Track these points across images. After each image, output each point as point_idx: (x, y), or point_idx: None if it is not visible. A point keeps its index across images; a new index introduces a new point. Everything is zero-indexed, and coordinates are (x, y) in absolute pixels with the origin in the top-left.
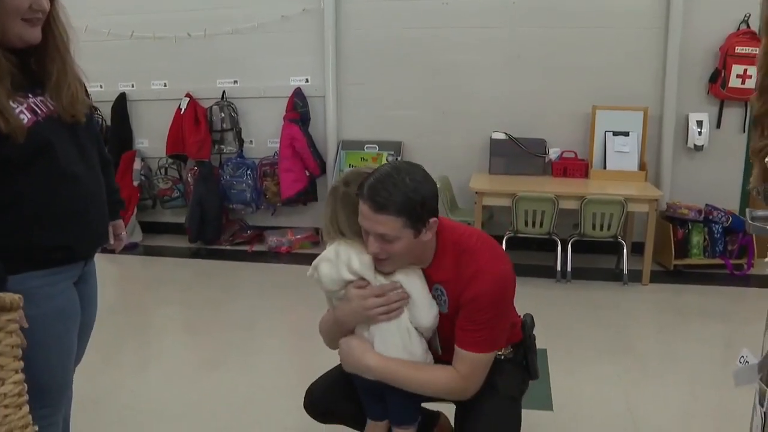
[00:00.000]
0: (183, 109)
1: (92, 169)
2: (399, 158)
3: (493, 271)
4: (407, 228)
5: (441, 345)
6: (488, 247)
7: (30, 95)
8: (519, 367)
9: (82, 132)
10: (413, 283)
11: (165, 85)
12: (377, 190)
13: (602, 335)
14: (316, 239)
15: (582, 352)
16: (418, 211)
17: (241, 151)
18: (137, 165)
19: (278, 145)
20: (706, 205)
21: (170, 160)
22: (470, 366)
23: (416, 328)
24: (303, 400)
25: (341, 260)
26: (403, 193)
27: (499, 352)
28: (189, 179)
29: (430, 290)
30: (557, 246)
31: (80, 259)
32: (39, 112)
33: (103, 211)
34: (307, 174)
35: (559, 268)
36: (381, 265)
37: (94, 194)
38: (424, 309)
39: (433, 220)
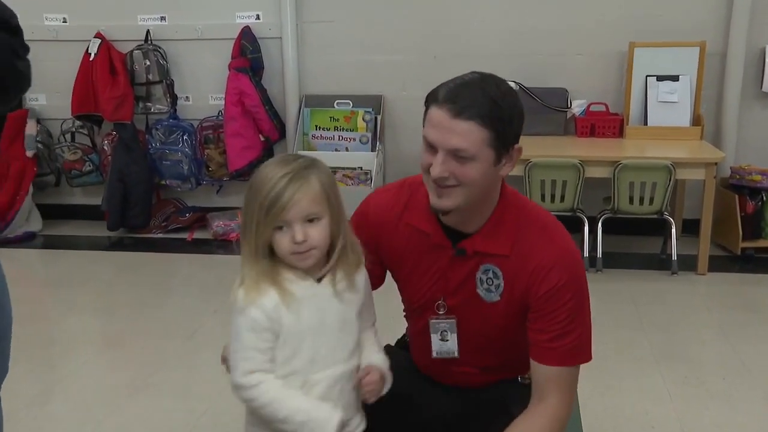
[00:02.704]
0: (93, 55)
1: None
2: (378, 117)
3: (572, 250)
4: (489, 147)
5: (473, 346)
6: (557, 224)
7: None
8: None
9: None
10: None
11: (64, 21)
12: (458, 93)
13: (645, 339)
14: None
15: (619, 361)
16: (506, 125)
17: (175, 110)
18: (31, 129)
19: (223, 101)
20: None
21: (78, 123)
22: (570, 385)
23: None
24: None
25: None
26: (491, 99)
27: (525, 376)
28: (105, 147)
29: (476, 271)
30: (584, 226)
31: None
32: None
33: None
34: (262, 139)
35: (586, 253)
36: (441, 196)
37: None
38: None
39: (518, 146)
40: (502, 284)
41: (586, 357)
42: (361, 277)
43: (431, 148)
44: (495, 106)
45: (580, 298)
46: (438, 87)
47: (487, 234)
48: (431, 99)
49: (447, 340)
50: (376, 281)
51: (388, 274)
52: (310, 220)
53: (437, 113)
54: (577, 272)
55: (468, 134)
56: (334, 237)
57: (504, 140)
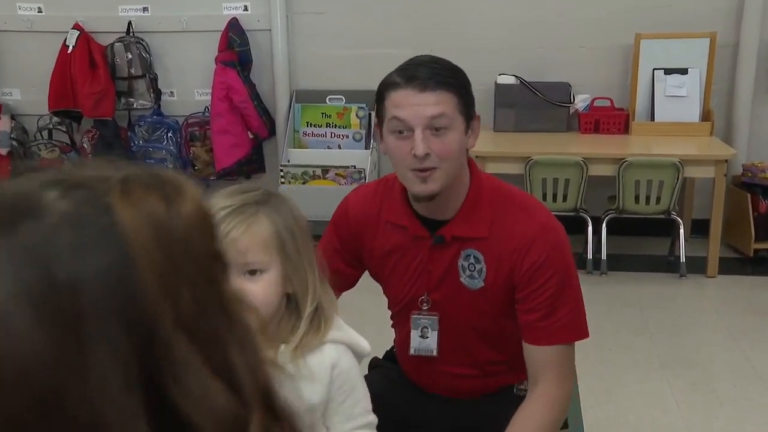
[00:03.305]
0: (71, 47)
1: None
2: (373, 113)
3: (554, 225)
4: (460, 113)
5: (463, 342)
6: (535, 202)
7: None
8: None
9: None
10: None
11: (40, 11)
12: (416, 71)
13: (652, 344)
14: None
15: (624, 367)
16: (467, 91)
17: (159, 106)
18: (4, 125)
19: (209, 97)
20: None
21: (56, 119)
22: (565, 365)
23: None
24: None
25: None
26: (447, 68)
27: (521, 386)
28: (85, 145)
29: (457, 259)
30: (587, 226)
31: None
32: None
33: None
34: (251, 136)
35: (590, 255)
36: (425, 181)
37: None
38: None
39: (478, 116)
40: (485, 268)
41: (581, 333)
42: (325, 363)
43: (402, 133)
44: (453, 73)
45: (565, 272)
46: (388, 76)
47: (463, 218)
48: (388, 87)
49: (427, 337)
50: (348, 282)
51: (366, 278)
52: (251, 272)
53: (402, 94)
54: (558, 246)
55: (440, 102)
56: (299, 300)
57: (468, 106)
